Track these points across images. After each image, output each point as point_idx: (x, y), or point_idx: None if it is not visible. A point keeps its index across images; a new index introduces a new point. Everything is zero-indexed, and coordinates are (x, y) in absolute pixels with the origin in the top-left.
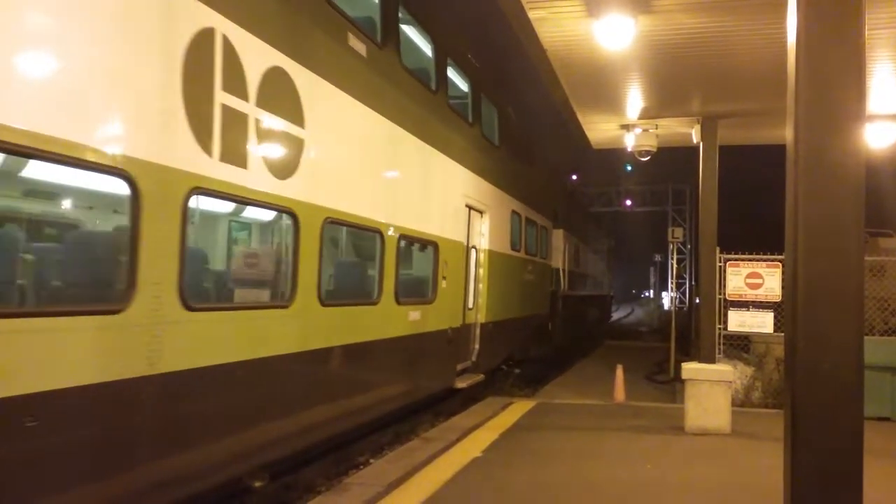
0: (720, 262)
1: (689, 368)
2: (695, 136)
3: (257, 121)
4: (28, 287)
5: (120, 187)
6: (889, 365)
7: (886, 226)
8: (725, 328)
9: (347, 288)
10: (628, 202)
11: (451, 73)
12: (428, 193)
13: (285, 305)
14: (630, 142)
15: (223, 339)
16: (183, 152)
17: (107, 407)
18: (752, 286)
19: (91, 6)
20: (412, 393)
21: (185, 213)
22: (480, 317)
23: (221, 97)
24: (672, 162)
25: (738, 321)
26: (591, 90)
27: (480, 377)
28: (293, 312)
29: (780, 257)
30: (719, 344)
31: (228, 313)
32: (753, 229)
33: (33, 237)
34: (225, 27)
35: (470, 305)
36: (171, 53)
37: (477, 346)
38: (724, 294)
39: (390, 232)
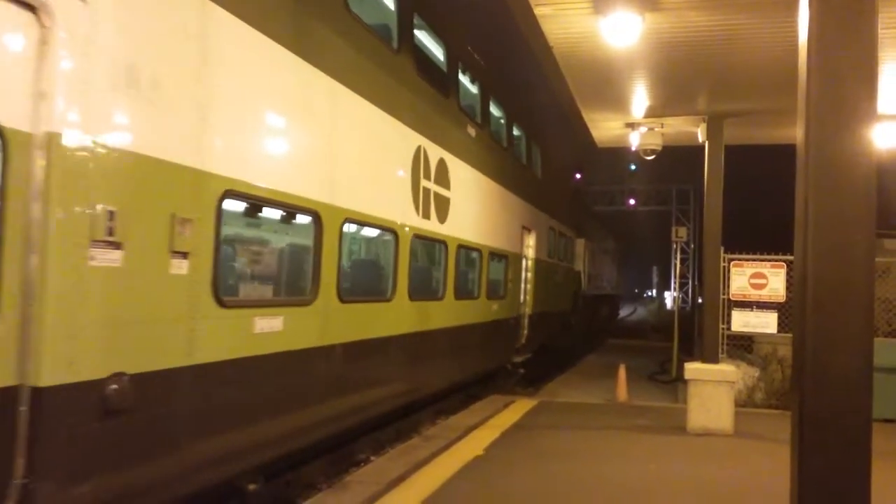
0: (724, 261)
1: (692, 368)
2: (700, 134)
3: (434, 192)
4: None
5: (391, 237)
6: (895, 366)
7: (895, 227)
8: (729, 328)
9: (465, 288)
10: (632, 201)
11: (515, 130)
12: (503, 221)
13: (441, 298)
14: (635, 140)
15: (427, 316)
16: (410, 215)
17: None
18: (757, 286)
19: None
20: (493, 361)
21: (412, 248)
22: (528, 310)
23: (423, 181)
24: (677, 161)
25: (742, 321)
26: (597, 88)
27: (529, 355)
28: (445, 304)
29: (784, 257)
30: (722, 344)
31: (418, 302)
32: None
33: (369, 265)
34: (424, 143)
35: (522, 301)
36: (407, 162)
37: (526, 332)
38: (728, 294)
39: (485, 250)
